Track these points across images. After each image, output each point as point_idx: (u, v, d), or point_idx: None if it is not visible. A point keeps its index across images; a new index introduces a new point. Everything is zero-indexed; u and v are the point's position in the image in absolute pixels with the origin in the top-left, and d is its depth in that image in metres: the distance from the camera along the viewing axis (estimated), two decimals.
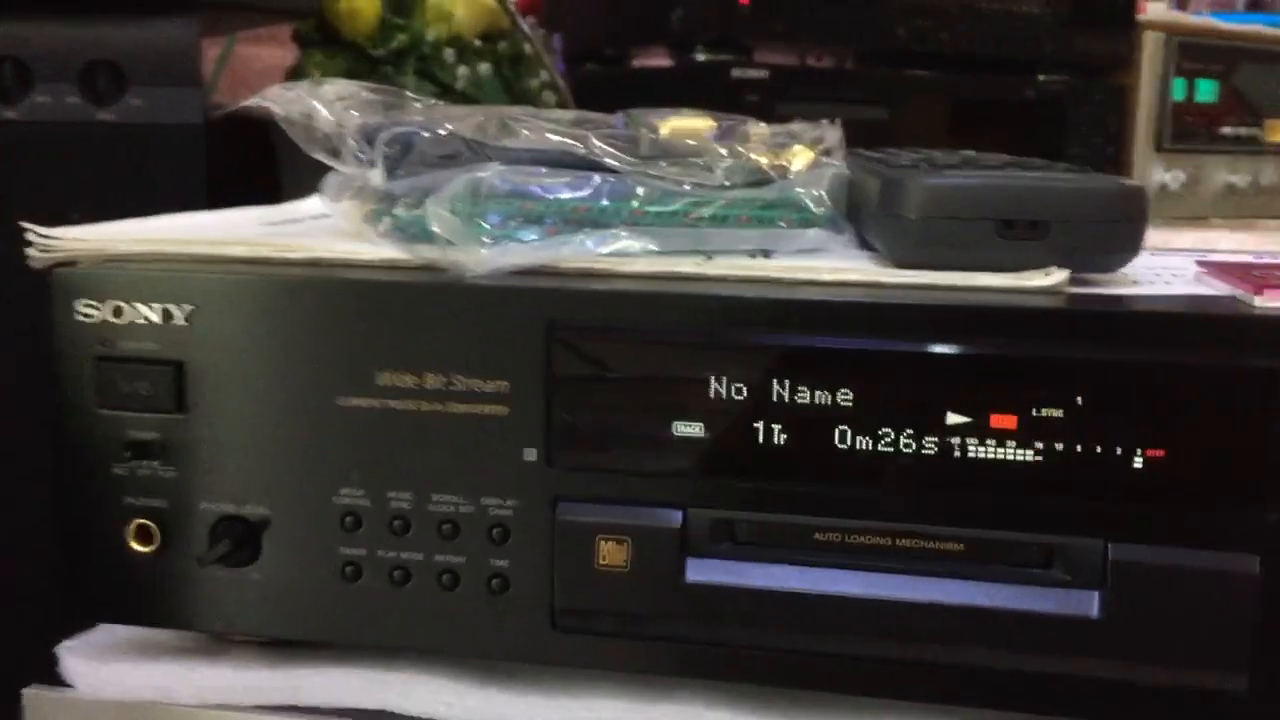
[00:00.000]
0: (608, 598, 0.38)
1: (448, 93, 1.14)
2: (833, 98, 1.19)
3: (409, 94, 0.48)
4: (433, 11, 1.14)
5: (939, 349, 0.36)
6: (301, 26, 1.13)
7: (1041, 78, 1.36)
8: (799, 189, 0.43)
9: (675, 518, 0.38)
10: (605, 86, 1.30)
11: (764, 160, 0.48)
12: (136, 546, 0.41)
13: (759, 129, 0.52)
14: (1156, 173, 1.46)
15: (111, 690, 0.42)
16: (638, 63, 1.32)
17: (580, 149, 0.42)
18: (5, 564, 0.72)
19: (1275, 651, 0.35)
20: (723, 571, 0.38)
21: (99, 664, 0.42)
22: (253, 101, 0.46)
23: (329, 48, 1.12)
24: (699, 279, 0.39)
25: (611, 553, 0.38)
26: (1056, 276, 0.38)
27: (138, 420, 0.40)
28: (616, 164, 0.42)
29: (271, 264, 0.41)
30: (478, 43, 1.17)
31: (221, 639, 0.44)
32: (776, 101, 1.12)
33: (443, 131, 0.43)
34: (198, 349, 0.40)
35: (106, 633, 0.44)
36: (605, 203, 0.42)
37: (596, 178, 0.42)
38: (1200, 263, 0.42)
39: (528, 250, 0.40)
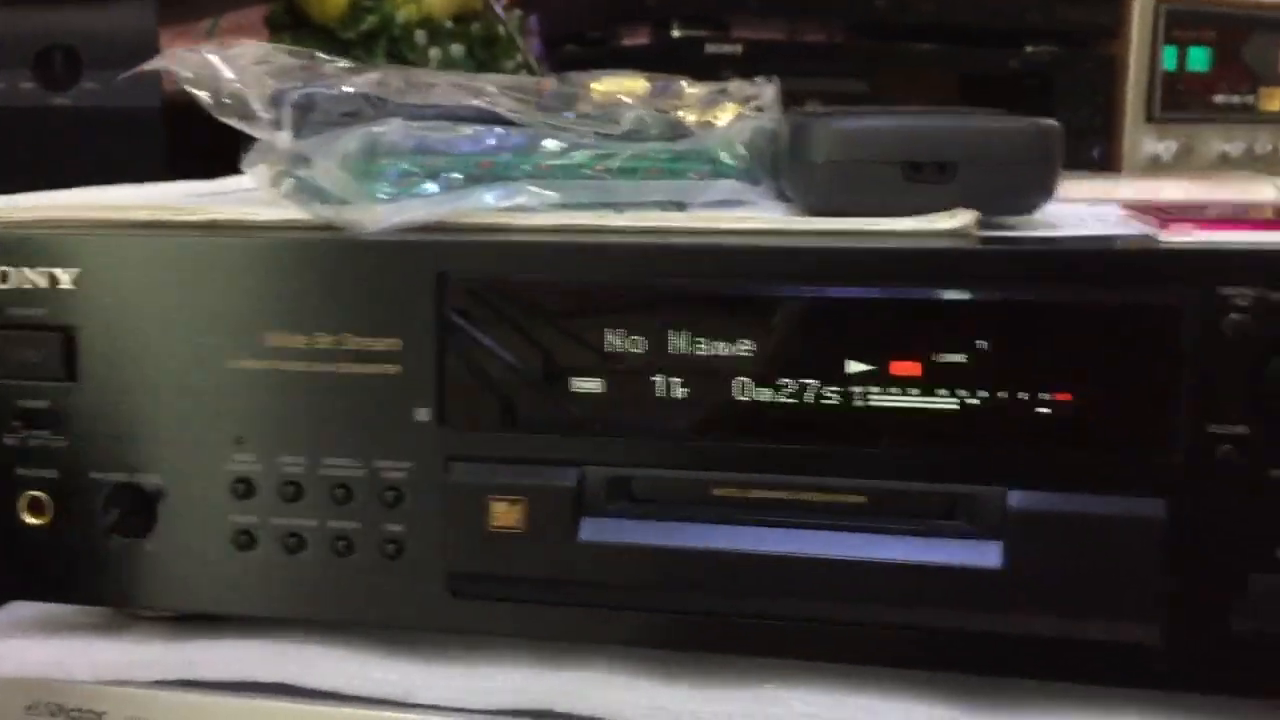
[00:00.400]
0: (502, 561, 0.37)
1: None
2: (811, 71, 1.17)
3: (321, 55, 0.47)
4: None
5: (836, 295, 0.35)
6: (273, 11, 1.12)
7: (1028, 49, 1.34)
8: (711, 142, 0.42)
9: (570, 476, 0.36)
10: (584, 67, 1.28)
11: (691, 117, 0.47)
12: (29, 519, 0.40)
13: (693, 88, 0.51)
14: (1148, 144, 1.44)
15: (9, 667, 0.41)
16: (615, 42, 1.31)
17: (479, 102, 0.40)
18: None
19: (1186, 598, 0.33)
20: (619, 531, 0.36)
21: None
22: (155, 63, 0.45)
23: (299, 32, 1.11)
24: (596, 230, 0.38)
25: (505, 514, 0.37)
26: (962, 218, 0.36)
27: (27, 389, 0.39)
28: (517, 117, 0.40)
29: (166, 227, 0.40)
30: (450, 24, 1.15)
31: (123, 614, 0.43)
32: (753, 76, 1.11)
33: (345, 90, 0.42)
34: (87, 314, 0.39)
35: (7, 610, 0.43)
36: (508, 156, 0.40)
37: (500, 131, 0.41)
38: (1124, 205, 0.40)
39: (424, 205, 0.38)
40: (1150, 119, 1.43)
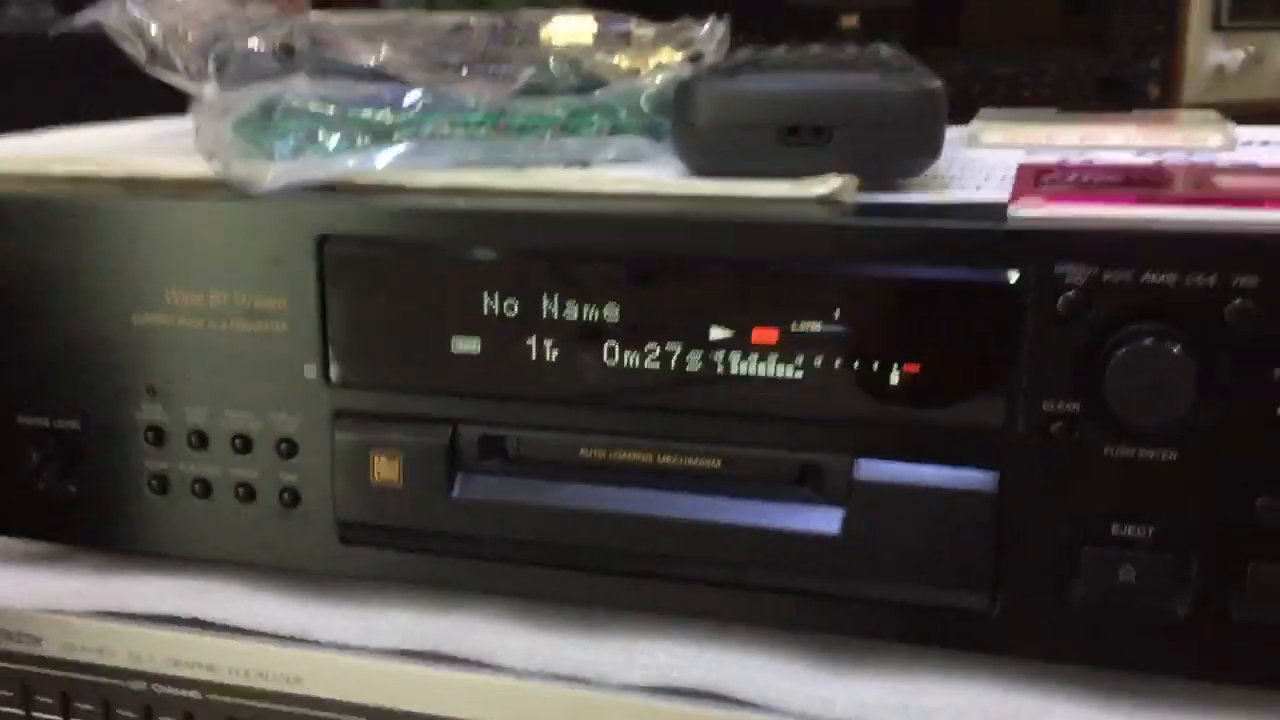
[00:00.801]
0: (384, 512, 0.39)
1: None
2: None
3: (250, 4, 0.48)
4: None
5: (700, 261, 0.35)
6: None
7: None
8: (612, 97, 0.42)
9: (444, 434, 0.38)
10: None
11: (625, 63, 0.48)
12: None
13: (642, 29, 0.51)
14: (1214, 53, 1.38)
15: None
16: None
17: (373, 61, 0.41)
18: None
19: (1016, 568, 0.34)
20: (491, 488, 0.38)
21: None
22: (85, 16, 0.47)
23: None
24: (479, 192, 0.39)
25: (385, 468, 0.38)
26: (833, 184, 0.36)
27: None
28: (412, 77, 0.41)
29: (79, 181, 0.42)
30: None
31: (68, 551, 0.46)
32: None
33: (257, 47, 0.43)
34: (5, 262, 0.41)
35: None
36: (415, 114, 0.41)
37: (398, 89, 0.42)
38: (1022, 164, 0.40)
39: (317, 165, 0.40)
40: (1217, 27, 1.37)
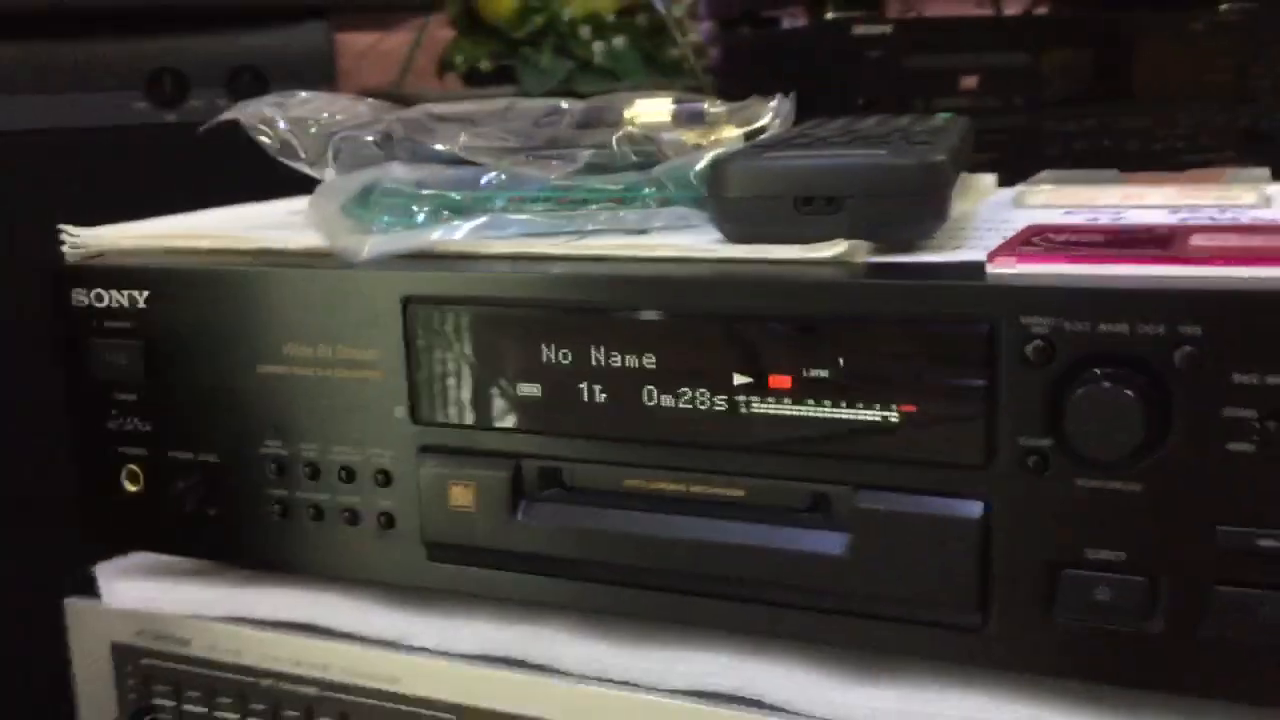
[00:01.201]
0: (462, 534, 0.45)
1: (585, 68, 1.21)
2: (962, 48, 1.18)
3: (371, 100, 0.56)
4: None
5: (724, 318, 0.41)
6: (454, 14, 1.23)
7: (1223, 6, 1.29)
8: (662, 172, 0.48)
9: (510, 466, 0.44)
10: (747, 50, 1.33)
11: (697, 140, 0.53)
12: (129, 486, 0.51)
13: (716, 110, 0.57)
14: None
15: (123, 600, 0.52)
16: (786, 23, 1.35)
17: (449, 147, 0.48)
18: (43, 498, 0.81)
19: (1002, 588, 0.38)
20: (549, 514, 0.44)
21: (115, 581, 0.53)
22: (229, 115, 0.55)
23: (474, 35, 1.22)
24: (542, 258, 0.45)
25: (461, 496, 0.45)
26: (839, 246, 0.41)
27: (120, 384, 0.50)
28: (484, 159, 0.48)
29: (221, 254, 0.50)
30: (613, 18, 1.23)
31: (203, 563, 0.53)
32: (905, 57, 1.13)
33: (365, 136, 0.51)
34: (155, 327, 0.49)
35: (128, 559, 0.55)
36: (491, 191, 0.48)
37: (480, 173, 0.48)
38: (1029, 224, 0.44)
39: (403, 237, 0.46)
40: None
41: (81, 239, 0.52)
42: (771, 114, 0.56)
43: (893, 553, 0.39)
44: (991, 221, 0.48)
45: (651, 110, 0.56)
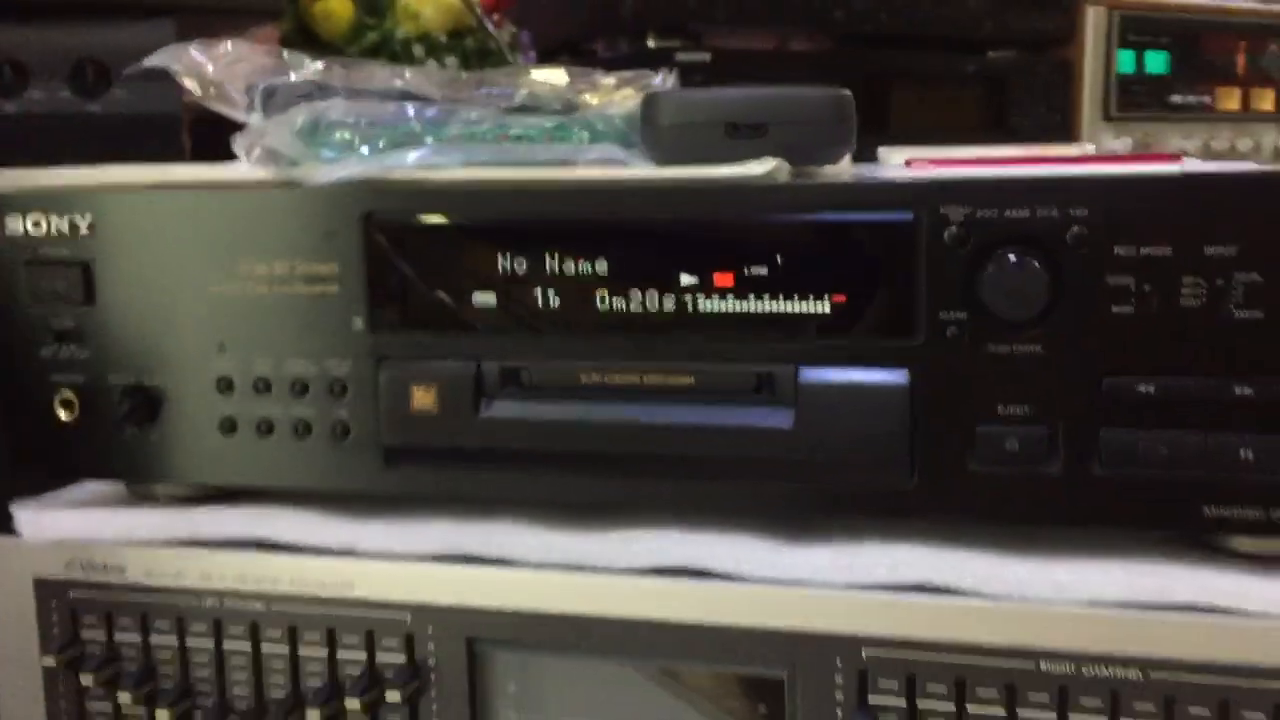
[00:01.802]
0: (423, 436, 0.48)
1: None
2: (775, 79, 1.28)
3: (288, 53, 0.58)
4: (402, 11, 1.25)
5: (670, 222, 0.45)
6: (284, 29, 1.24)
7: (989, 54, 1.44)
8: (592, 114, 0.53)
9: (471, 368, 0.47)
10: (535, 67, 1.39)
11: (594, 99, 0.58)
12: (62, 414, 0.51)
13: (606, 78, 0.62)
14: (1106, 140, 1.53)
15: (52, 533, 0.52)
16: (603, 54, 1.42)
17: (400, 83, 0.51)
18: None
19: (928, 446, 0.44)
20: (510, 409, 0.47)
21: (41, 514, 0.53)
22: (152, 60, 0.57)
23: (308, 49, 1.23)
24: (490, 181, 0.49)
25: (423, 398, 0.47)
26: (768, 164, 0.47)
27: (58, 311, 0.50)
28: (432, 95, 0.51)
29: (161, 187, 0.51)
30: (445, 39, 1.27)
31: (141, 495, 0.54)
32: (721, 83, 1.21)
33: (300, 78, 0.53)
34: (100, 252, 0.50)
35: (52, 495, 0.54)
36: (426, 126, 0.51)
37: (418, 107, 0.52)
38: (909, 159, 0.51)
39: (357, 164, 0.49)
40: (1107, 118, 1.53)
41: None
42: (661, 80, 0.61)
43: (833, 422, 0.44)
44: (868, 168, 0.55)
45: (549, 76, 0.61)
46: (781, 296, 0.45)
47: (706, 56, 1.23)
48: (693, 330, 0.46)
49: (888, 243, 0.43)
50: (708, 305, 0.45)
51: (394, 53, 1.24)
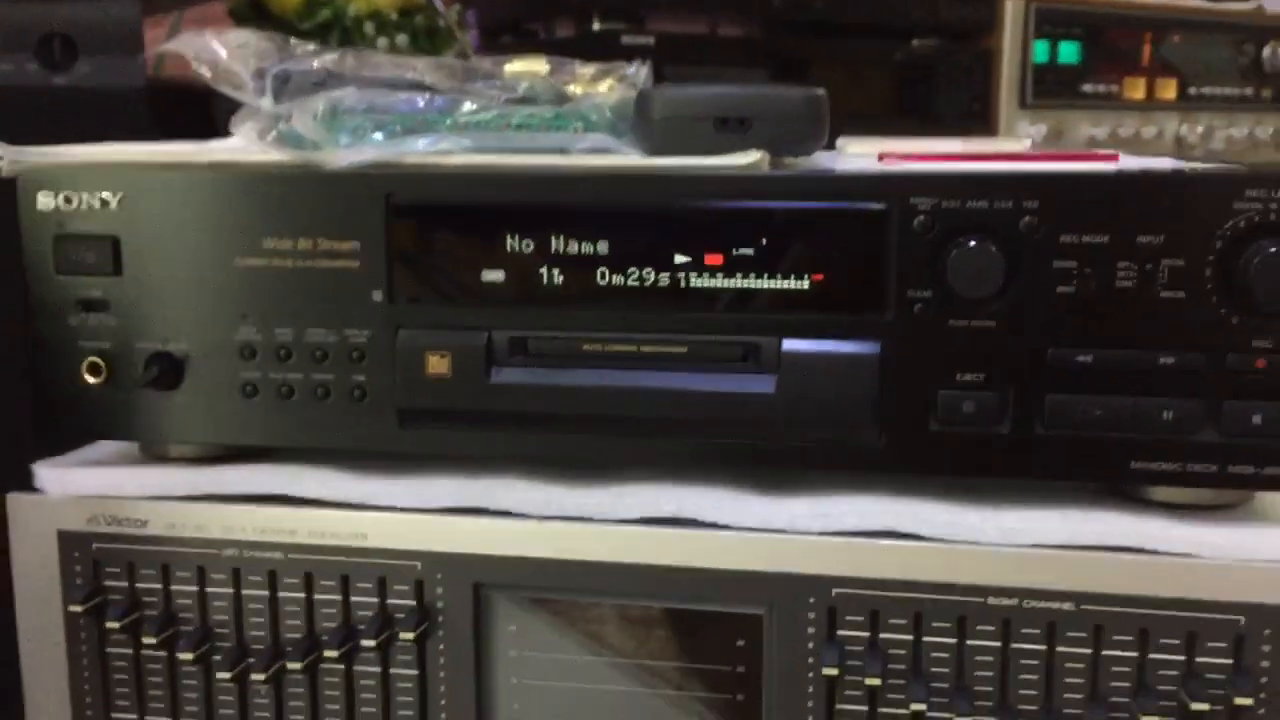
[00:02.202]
0: (436, 399, 0.52)
1: None
2: (714, 61, 1.33)
3: (292, 40, 0.62)
4: None
5: (666, 207, 0.50)
6: (236, 4, 1.26)
7: (916, 42, 1.51)
8: (585, 106, 0.58)
9: (482, 337, 0.52)
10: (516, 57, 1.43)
11: (578, 89, 0.63)
12: (89, 379, 0.54)
13: (584, 68, 0.66)
14: (1022, 127, 1.61)
15: (75, 490, 0.56)
16: (546, 35, 1.46)
17: (411, 74, 0.56)
18: None
19: (895, 409, 0.49)
20: (517, 375, 0.52)
21: (65, 473, 0.56)
22: (169, 46, 0.60)
23: (259, 24, 1.25)
24: (498, 167, 0.54)
25: (437, 364, 0.52)
26: (753, 156, 0.52)
27: (87, 283, 0.54)
28: (442, 86, 0.56)
29: (183, 166, 0.55)
30: (395, 17, 1.30)
31: (158, 456, 0.57)
32: (664, 65, 1.26)
33: (313, 65, 0.57)
34: (129, 227, 0.53)
35: (71, 456, 0.58)
36: (435, 114, 0.56)
37: (428, 96, 0.56)
38: (881, 154, 0.56)
39: (373, 149, 0.54)
40: (1024, 105, 1.61)
41: (20, 155, 0.56)
42: (638, 74, 0.66)
43: (811, 387, 0.50)
44: (834, 159, 0.61)
45: (531, 65, 0.66)
46: (766, 275, 0.50)
47: (650, 40, 1.28)
48: (685, 304, 0.51)
49: (863, 228, 0.49)
50: (699, 282, 0.50)
51: (345, 29, 1.27)
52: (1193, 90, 1.74)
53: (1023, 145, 0.64)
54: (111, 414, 0.55)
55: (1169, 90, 1.73)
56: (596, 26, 1.32)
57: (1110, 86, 1.67)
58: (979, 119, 1.57)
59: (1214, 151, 1.77)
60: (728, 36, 1.42)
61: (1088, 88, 1.65)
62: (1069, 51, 1.64)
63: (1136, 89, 1.70)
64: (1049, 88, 1.62)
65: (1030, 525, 0.49)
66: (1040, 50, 1.60)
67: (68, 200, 0.53)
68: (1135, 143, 1.69)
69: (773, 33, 1.43)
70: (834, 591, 0.51)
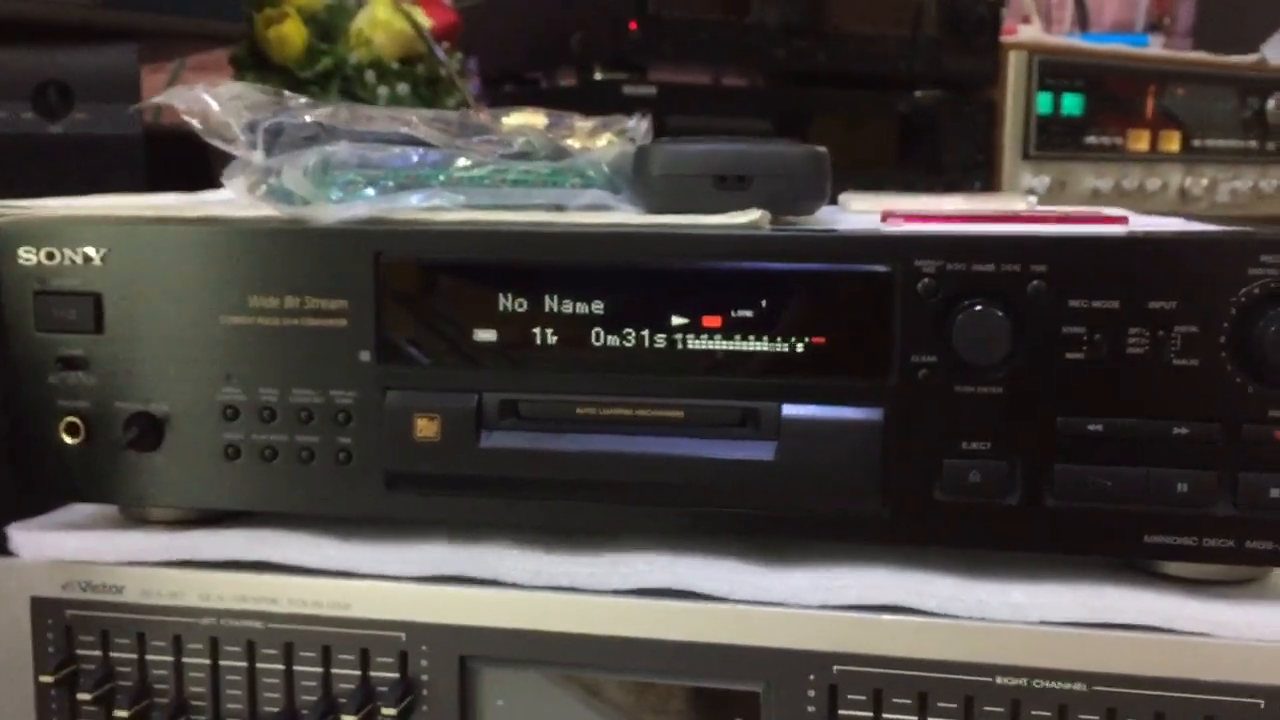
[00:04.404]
0: (425, 463, 0.51)
1: None
2: (717, 112, 1.33)
3: (286, 92, 0.61)
4: (355, 37, 1.27)
5: (662, 268, 0.49)
6: (238, 52, 1.26)
7: (919, 94, 1.50)
8: (582, 161, 0.56)
9: (472, 400, 0.50)
10: (517, 105, 1.43)
11: (576, 143, 0.62)
12: (67, 439, 0.53)
13: (582, 122, 0.65)
14: (1025, 178, 1.61)
15: (50, 553, 0.54)
16: (548, 84, 1.46)
17: (406, 129, 0.54)
18: None
19: (898, 478, 0.48)
20: (509, 439, 0.50)
21: (39, 536, 0.54)
22: (160, 99, 0.59)
23: (261, 71, 1.25)
24: (492, 224, 0.52)
25: (426, 427, 0.50)
26: (753, 214, 0.50)
27: (67, 340, 0.52)
28: (436, 141, 0.54)
29: (168, 221, 0.53)
30: (396, 66, 1.30)
31: (136, 519, 0.56)
32: (666, 115, 1.25)
33: (306, 119, 0.56)
34: (111, 283, 0.52)
35: (60, 513, 0.56)
36: (429, 170, 0.54)
37: (422, 151, 0.55)
38: (884, 213, 0.55)
39: (365, 205, 0.52)
40: (1026, 157, 1.60)
41: (4, 209, 0.54)
42: (637, 128, 0.65)
43: (812, 454, 0.48)
44: (836, 216, 0.59)
45: (528, 118, 0.64)
46: (766, 338, 0.48)
47: (653, 90, 1.28)
48: (682, 367, 0.49)
49: (866, 291, 0.47)
50: (696, 344, 0.49)
51: (346, 77, 1.26)
52: (1196, 142, 1.74)
53: (1027, 202, 0.62)
54: (89, 475, 0.53)
55: (1173, 142, 1.72)
56: (598, 76, 1.31)
57: (1114, 138, 1.67)
58: (982, 170, 1.56)
59: (1219, 204, 1.76)
60: (730, 87, 1.42)
61: (1091, 139, 1.65)
62: (1072, 103, 1.63)
63: (1140, 141, 1.69)
64: (1052, 139, 1.61)
65: (1040, 601, 0.47)
66: (1044, 102, 1.60)
67: (50, 256, 0.52)
68: (1139, 195, 1.68)
69: (776, 83, 1.42)
70: (835, 668, 0.49)
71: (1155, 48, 1.91)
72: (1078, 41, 1.70)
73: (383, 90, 1.27)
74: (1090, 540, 0.47)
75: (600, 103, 1.29)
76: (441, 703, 0.52)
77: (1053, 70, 1.59)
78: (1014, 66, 1.56)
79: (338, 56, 1.25)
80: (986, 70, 1.54)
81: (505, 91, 1.49)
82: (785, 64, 1.38)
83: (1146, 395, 0.46)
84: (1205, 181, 1.73)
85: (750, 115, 1.35)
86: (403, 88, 1.28)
